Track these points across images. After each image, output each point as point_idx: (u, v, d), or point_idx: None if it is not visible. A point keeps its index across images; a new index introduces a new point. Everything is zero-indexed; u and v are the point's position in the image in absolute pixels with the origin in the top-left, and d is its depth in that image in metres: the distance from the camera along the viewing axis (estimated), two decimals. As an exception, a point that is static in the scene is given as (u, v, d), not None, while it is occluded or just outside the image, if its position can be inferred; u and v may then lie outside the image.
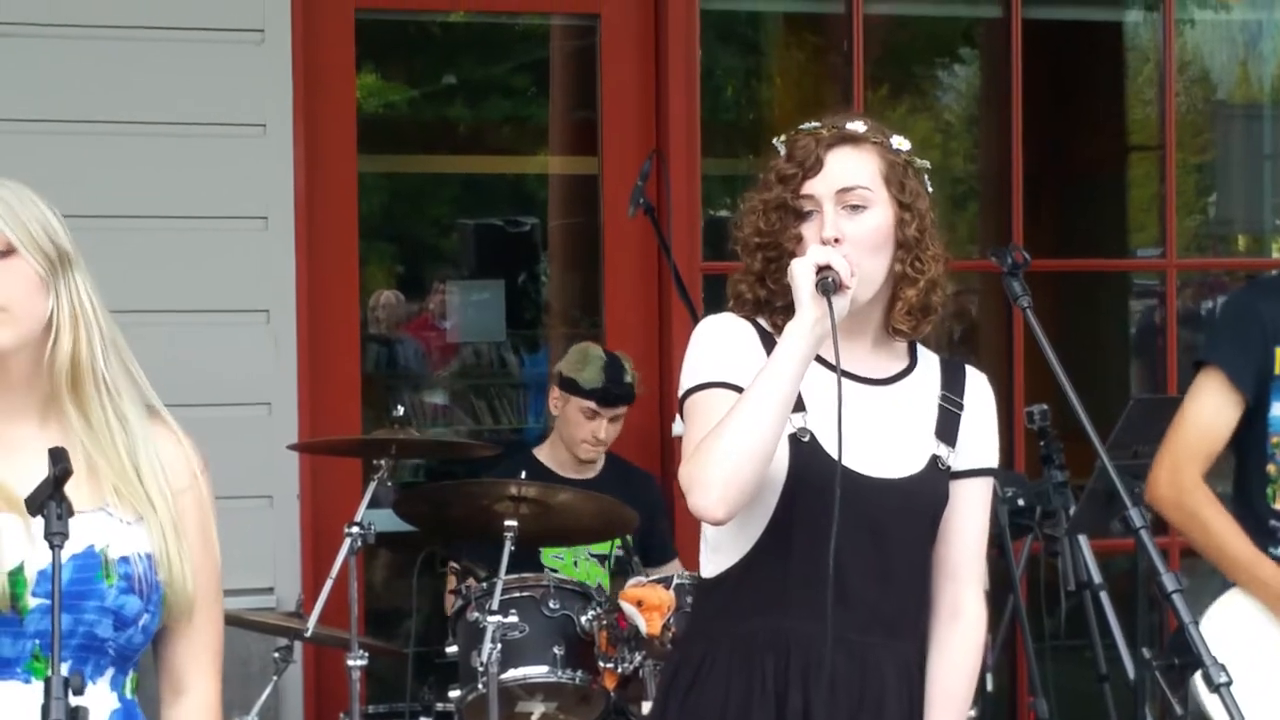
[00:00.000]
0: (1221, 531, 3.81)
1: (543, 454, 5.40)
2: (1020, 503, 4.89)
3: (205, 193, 5.20)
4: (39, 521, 2.21)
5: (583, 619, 4.57)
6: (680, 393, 2.92)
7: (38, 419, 2.46)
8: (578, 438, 5.30)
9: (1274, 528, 3.85)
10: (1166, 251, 6.42)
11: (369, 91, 7.59)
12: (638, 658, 4.42)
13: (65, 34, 5.11)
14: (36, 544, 2.28)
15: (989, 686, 4.65)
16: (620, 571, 5.09)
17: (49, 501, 2.19)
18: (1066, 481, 4.85)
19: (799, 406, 2.82)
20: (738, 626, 2.90)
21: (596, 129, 5.90)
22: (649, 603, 4.37)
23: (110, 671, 2.44)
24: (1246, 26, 8.15)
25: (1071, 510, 4.81)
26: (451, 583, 5.20)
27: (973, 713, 3.10)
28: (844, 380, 2.75)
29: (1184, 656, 2.75)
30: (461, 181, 8.77)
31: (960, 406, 2.98)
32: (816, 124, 2.96)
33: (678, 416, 2.99)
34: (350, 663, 4.55)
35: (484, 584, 4.64)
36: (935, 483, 2.93)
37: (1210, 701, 3.51)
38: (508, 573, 4.49)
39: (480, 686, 4.41)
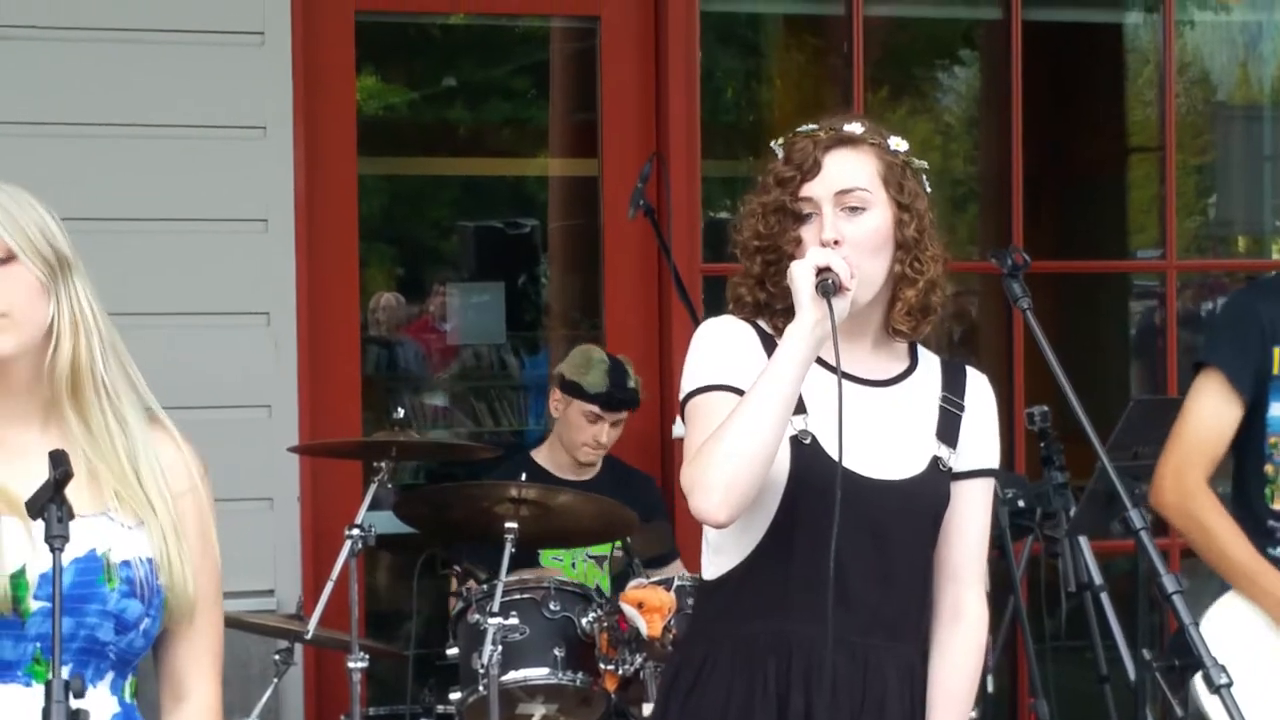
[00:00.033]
0: (1225, 538, 3.80)
1: (541, 456, 5.39)
2: (1021, 504, 4.89)
3: (205, 195, 5.20)
4: (41, 525, 2.21)
5: (583, 621, 4.56)
6: (681, 396, 2.92)
7: (39, 424, 2.46)
8: (578, 441, 5.30)
9: (1272, 528, 3.85)
10: (1166, 253, 6.42)
11: (369, 93, 7.59)
12: (638, 659, 4.42)
13: (65, 36, 5.11)
14: (38, 547, 2.28)
15: (990, 688, 4.64)
16: (621, 574, 5.09)
17: (49, 504, 2.20)
18: (1067, 483, 4.85)
19: (800, 409, 2.82)
20: (739, 629, 2.90)
21: (596, 131, 5.90)
22: (650, 604, 4.37)
23: (110, 675, 2.44)
24: (1246, 28, 8.15)
25: (1072, 511, 4.81)
26: (454, 585, 5.20)
27: (974, 714, 3.09)
28: (845, 382, 2.75)
29: (1184, 658, 2.75)
30: (461, 183, 8.78)
31: (961, 407, 2.98)
32: (814, 126, 2.95)
33: (678, 418, 2.99)
34: (351, 665, 4.55)
35: (484, 586, 4.64)
36: (936, 484, 2.93)
37: (1211, 703, 3.50)
38: (508, 574, 4.49)
39: (481, 688, 4.41)
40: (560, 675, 4.54)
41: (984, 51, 7.58)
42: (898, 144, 2.95)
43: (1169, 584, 2.74)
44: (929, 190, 2.97)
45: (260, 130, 5.25)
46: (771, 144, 2.99)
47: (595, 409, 5.26)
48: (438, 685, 4.90)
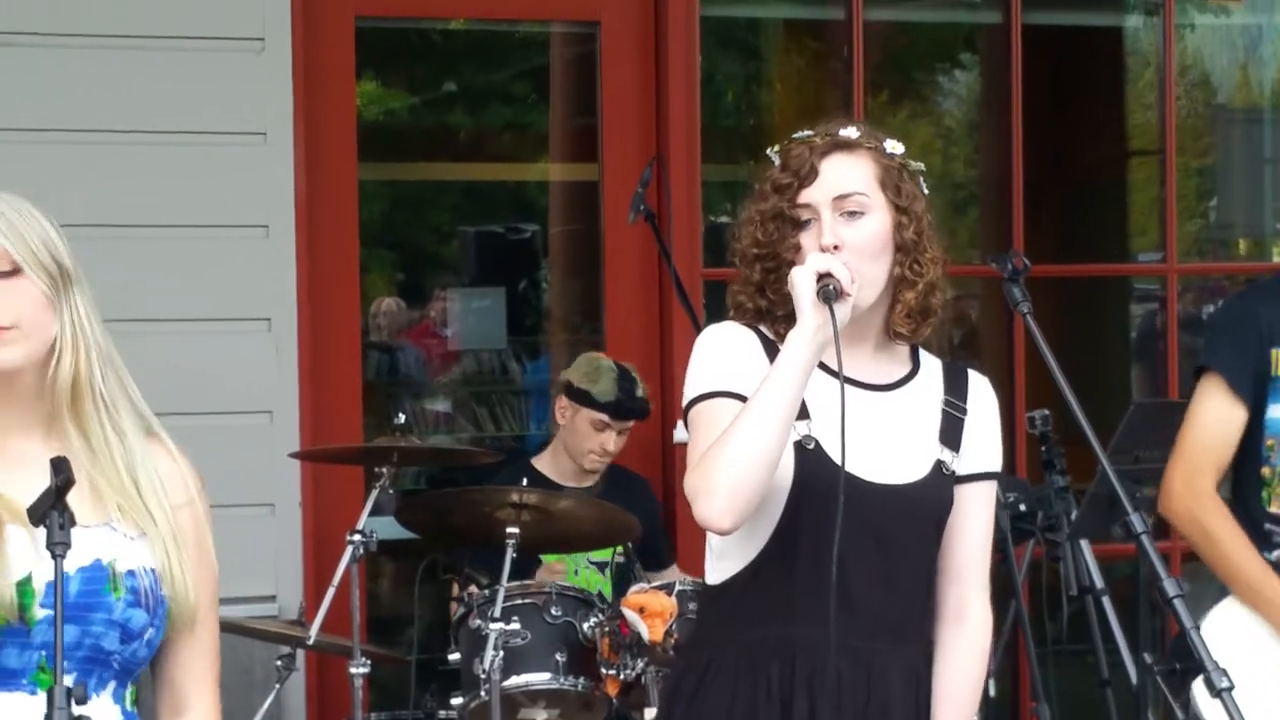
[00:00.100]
0: (1232, 547, 3.77)
1: (541, 463, 5.38)
2: (1022, 508, 4.88)
3: (206, 201, 5.20)
4: (44, 533, 2.21)
5: (585, 626, 4.56)
6: (684, 402, 2.92)
7: (42, 435, 2.46)
8: (585, 449, 5.28)
9: (1269, 531, 3.84)
10: (1167, 256, 6.41)
11: (369, 99, 7.60)
12: (640, 664, 4.42)
13: (66, 43, 5.11)
14: (43, 556, 2.28)
15: (991, 692, 4.64)
16: (622, 578, 5.09)
17: (51, 511, 2.20)
18: (1068, 486, 4.84)
19: (803, 414, 2.82)
20: (743, 633, 2.90)
21: (597, 135, 5.90)
22: (651, 609, 4.37)
23: (113, 684, 2.45)
24: (1246, 31, 8.16)
25: (1073, 515, 4.81)
26: (455, 590, 5.20)
27: (976, 718, 3.09)
28: (847, 387, 2.75)
29: (1185, 661, 2.76)
30: (462, 189, 8.79)
31: (964, 411, 2.98)
32: (809, 132, 2.95)
33: (679, 423, 2.99)
34: (353, 670, 4.56)
35: (485, 591, 4.64)
36: (939, 488, 2.93)
37: (1212, 706, 3.50)
38: (509, 579, 4.49)
39: (483, 694, 4.41)
40: (562, 680, 4.54)
41: (984, 55, 7.59)
42: (894, 147, 2.95)
43: (1170, 588, 2.74)
44: (926, 192, 2.97)
45: (261, 136, 5.25)
46: (768, 151, 2.99)
47: (604, 417, 5.24)
48: (439, 690, 4.90)
